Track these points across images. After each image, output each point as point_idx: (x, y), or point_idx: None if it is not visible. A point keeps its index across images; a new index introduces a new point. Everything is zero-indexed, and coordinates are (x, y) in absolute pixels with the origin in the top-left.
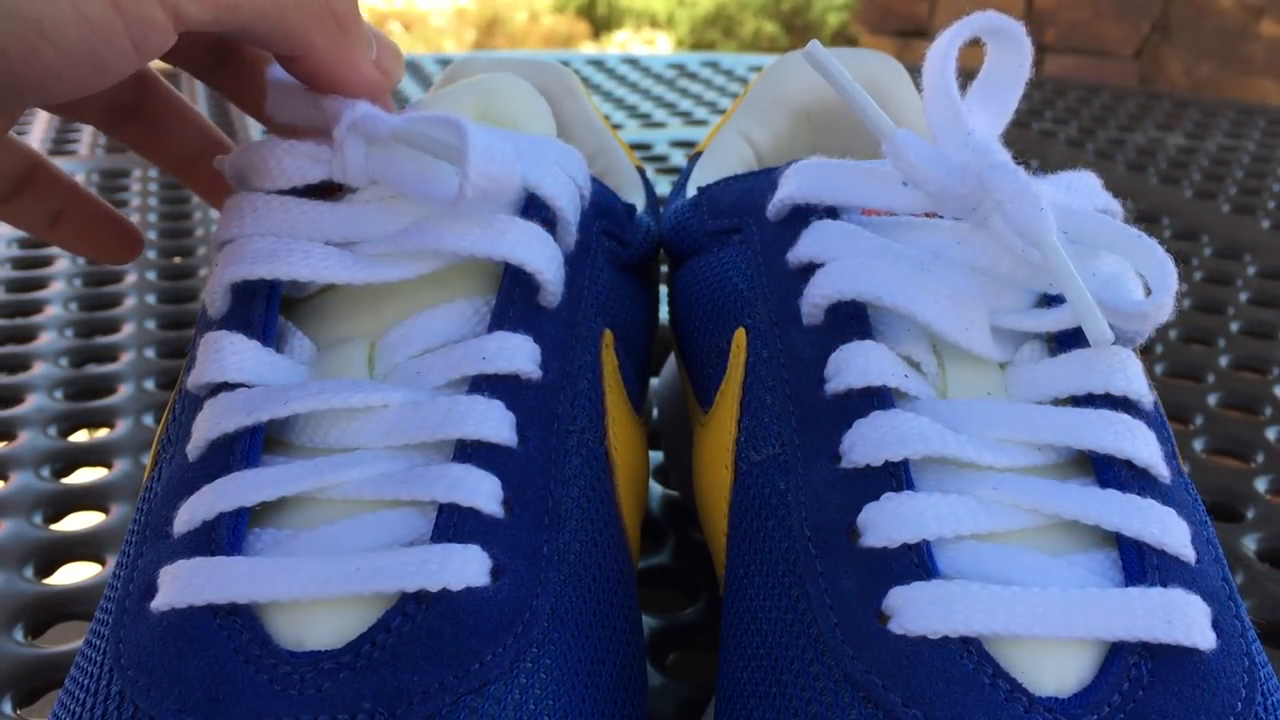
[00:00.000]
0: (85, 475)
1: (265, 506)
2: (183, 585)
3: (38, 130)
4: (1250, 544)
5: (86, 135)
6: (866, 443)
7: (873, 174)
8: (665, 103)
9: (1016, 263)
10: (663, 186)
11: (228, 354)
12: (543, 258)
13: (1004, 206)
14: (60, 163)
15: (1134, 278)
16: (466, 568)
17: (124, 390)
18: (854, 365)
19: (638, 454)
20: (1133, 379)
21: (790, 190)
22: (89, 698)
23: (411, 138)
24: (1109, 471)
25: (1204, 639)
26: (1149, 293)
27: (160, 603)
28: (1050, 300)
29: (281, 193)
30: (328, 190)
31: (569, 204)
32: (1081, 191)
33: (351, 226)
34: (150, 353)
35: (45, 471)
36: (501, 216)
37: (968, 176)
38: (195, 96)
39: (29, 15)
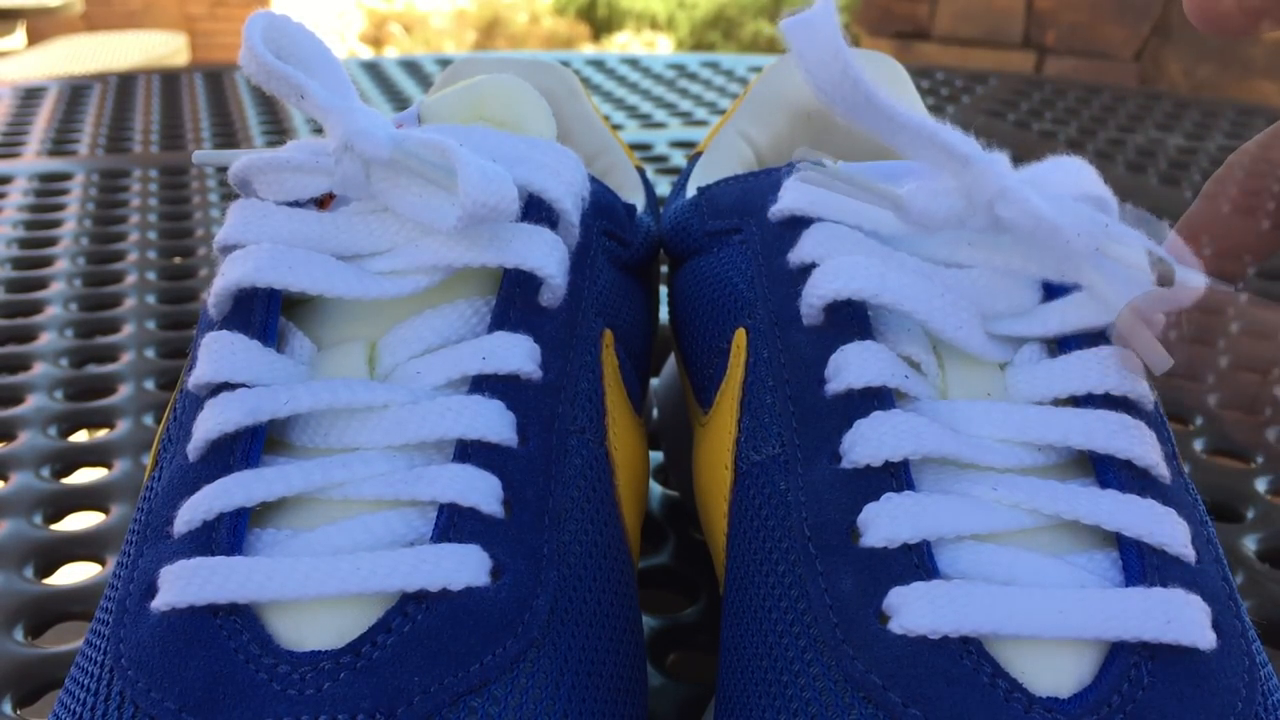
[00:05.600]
0: (85, 475)
1: (265, 507)
2: (183, 585)
3: (37, 128)
4: (1250, 544)
5: (86, 135)
6: (867, 443)
7: (867, 201)
8: (665, 103)
9: (1025, 260)
10: (663, 186)
11: (228, 354)
12: (552, 261)
13: (1023, 239)
14: (60, 163)
15: (1145, 261)
16: (466, 568)
17: (124, 390)
18: (854, 365)
19: (638, 454)
20: (1133, 379)
21: (788, 203)
22: (89, 697)
23: (408, 162)
24: (1109, 472)
25: (1204, 639)
26: (1157, 277)
27: (160, 603)
28: (1050, 296)
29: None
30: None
31: (571, 205)
32: (1075, 176)
33: (356, 239)
34: (150, 353)
35: (45, 471)
36: (506, 225)
37: (977, 210)
38: (196, 102)
39: None
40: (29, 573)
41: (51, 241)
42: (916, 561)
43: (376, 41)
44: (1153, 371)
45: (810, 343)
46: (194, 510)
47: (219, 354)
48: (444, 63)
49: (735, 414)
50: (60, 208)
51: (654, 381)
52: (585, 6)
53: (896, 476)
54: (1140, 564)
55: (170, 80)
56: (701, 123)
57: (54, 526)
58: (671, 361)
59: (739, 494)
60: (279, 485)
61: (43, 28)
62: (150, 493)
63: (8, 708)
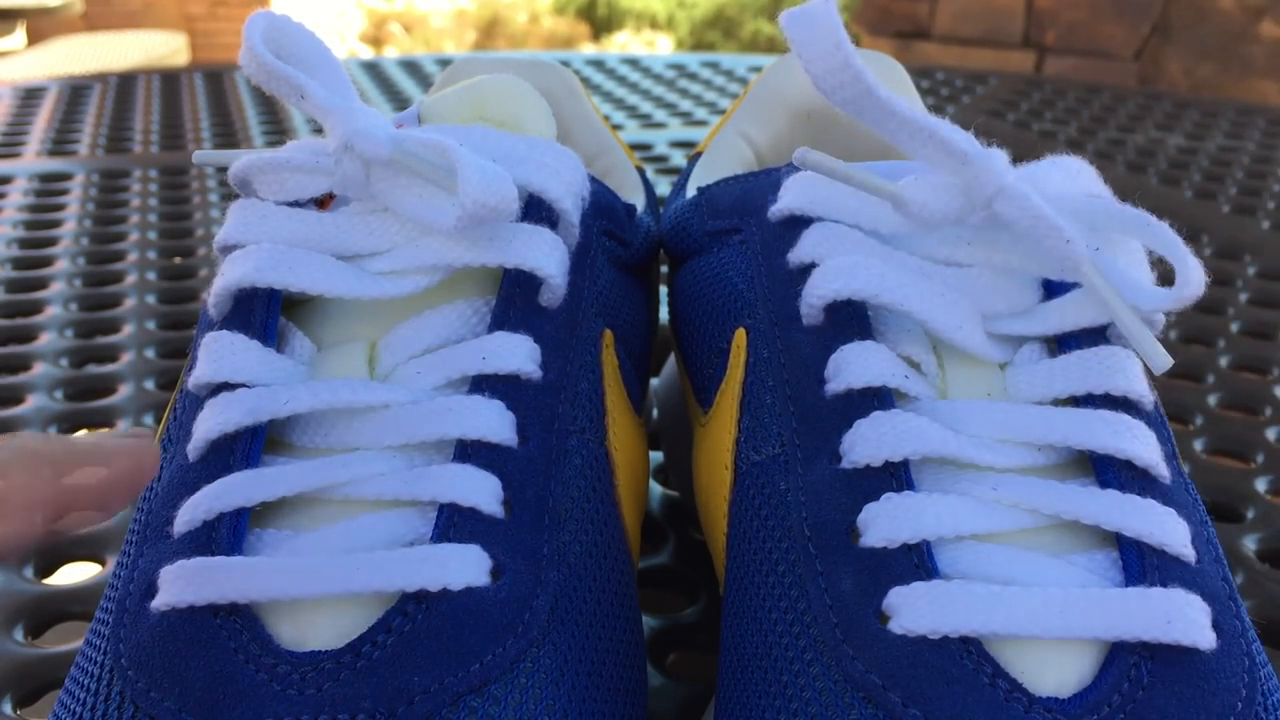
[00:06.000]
0: None
1: (265, 507)
2: (183, 585)
3: (37, 128)
4: (1250, 544)
5: (86, 135)
6: (866, 443)
7: (865, 198)
8: (665, 103)
9: (1025, 258)
10: (663, 186)
11: (228, 354)
12: (552, 261)
13: (1022, 237)
14: (60, 163)
15: (1144, 260)
16: (466, 568)
17: (124, 390)
18: (854, 365)
19: (638, 454)
20: (1133, 379)
21: (788, 202)
22: (89, 697)
23: (408, 162)
24: (1109, 472)
25: (1204, 639)
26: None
27: (160, 603)
28: (1050, 294)
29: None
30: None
31: (571, 205)
32: (1074, 175)
33: (356, 239)
34: (150, 353)
35: None
36: (506, 225)
37: (976, 207)
38: (196, 102)
39: None
40: (29, 573)
41: (51, 241)
42: (916, 561)
43: (376, 41)
44: (1153, 371)
45: (810, 343)
46: (194, 510)
47: (219, 354)
48: (444, 63)
49: (735, 414)
50: (60, 208)
51: (654, 381)
52: (585, 6)
53: (896, 476)
54: (1140, 564)
55: (170, 80)
56: (701, 123)
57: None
58: (671, 361)
59: (739, 494)
60: (279, 485)
61: (43, 28)
62: (150, 493)
63: (8, 708)
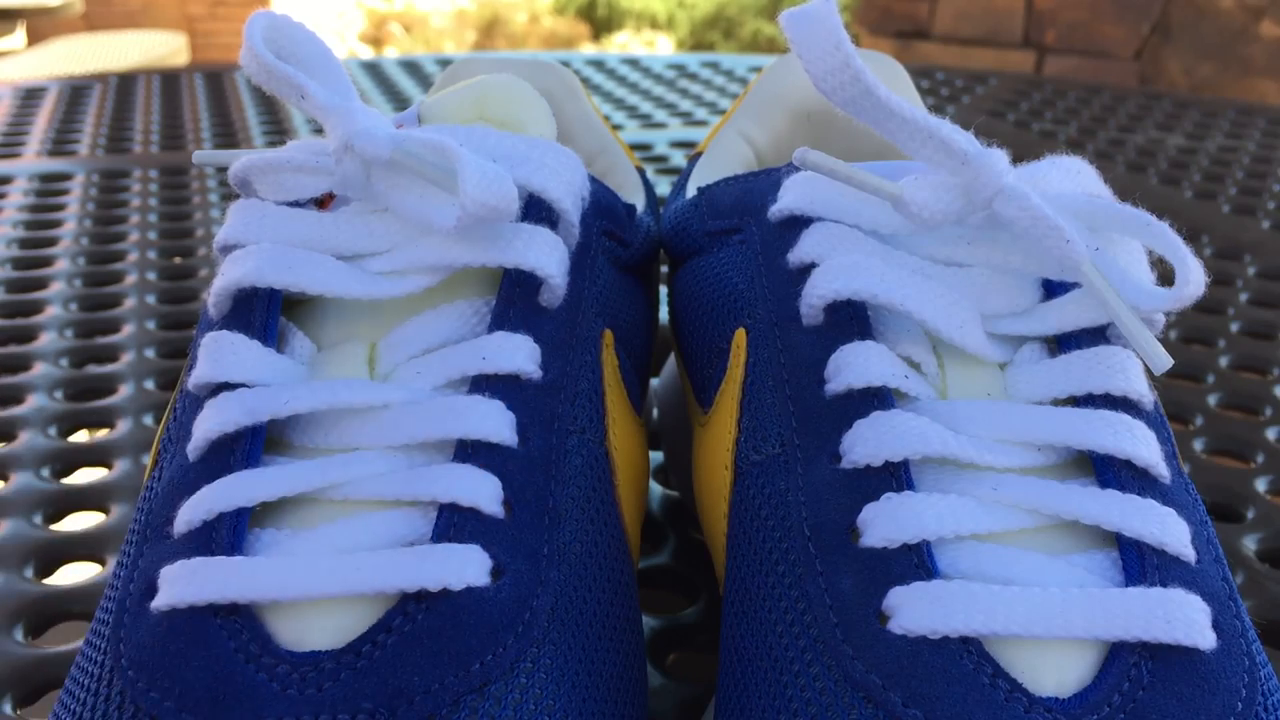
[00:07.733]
0: (85, 475)
1: (265, 507)
2: (183, 585)
3: (37, 128)
4: (1250, 544)
5: (86, 135)
6: (866, 443)
7: (865, 198)
8: (665, 103)
9: (1025, 258)
10: (663, 186)
11: (228, 354)
12: (552, 261)
13: (1022, 237)
14: (60, 163)
15: (1144, 260)
16: (467, 568)
17: (124, 390)
18: (854, 365)
19: (638, 454)
20: (1133, 379)
21: (788, 202)
22: (89, 697)
23: (408, 162)
24: (1109, 472)
25: (1204, 639)
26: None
27: (161, 602)
28: (1050, 293)
29: (286, 202)
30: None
31: (571, 205)
32: (1074, 175)
33: (356, 239)
34: (150, 353)
35: (45, 471)
36: (506, 225)
37: (976, 207)
38: (196, 102)
39: None
40: (29, 573)
41: (51, 241)
42: (916, 561)
43: (376, 41)
44: (1153, 371)
45: (810, 343)
46: (194, 510)
47: (219, 354)
48: (444, 63)
49: (735, 414)
50: (60, 208)
51: (654, 381)
52: (585, 6)
53: (896, 476)
54: (1140, 564)
55: (170, 80)
56: (701, 123)
57: (54, 526)
58: (671, 361)
59: (739, 494)
60: (279, 485)
61: (43, 28)
62: (150, 493)
63: (8, 708)
